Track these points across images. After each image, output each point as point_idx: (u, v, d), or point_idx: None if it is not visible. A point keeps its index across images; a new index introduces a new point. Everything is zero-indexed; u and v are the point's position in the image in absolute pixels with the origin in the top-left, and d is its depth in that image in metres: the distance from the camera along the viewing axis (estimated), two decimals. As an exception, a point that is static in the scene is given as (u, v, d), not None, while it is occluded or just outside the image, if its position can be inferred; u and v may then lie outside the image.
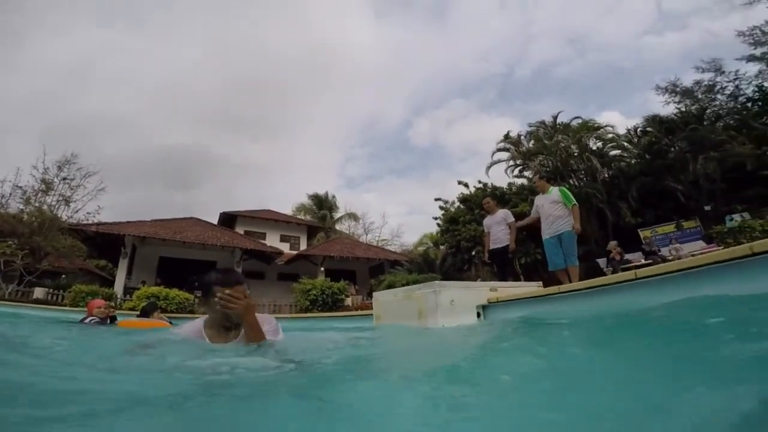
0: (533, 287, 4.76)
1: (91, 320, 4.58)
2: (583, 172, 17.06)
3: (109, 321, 4.72)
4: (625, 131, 19.03)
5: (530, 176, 18.57)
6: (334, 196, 34.63)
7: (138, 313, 5.97)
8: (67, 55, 48.14)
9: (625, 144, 18.20)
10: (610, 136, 18.31)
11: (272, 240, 21.89)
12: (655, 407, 0.88)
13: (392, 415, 0.96)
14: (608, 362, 1.39)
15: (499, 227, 6.01)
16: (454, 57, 62.92)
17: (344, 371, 1.60)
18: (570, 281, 4.87)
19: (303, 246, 23.35)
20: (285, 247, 21.51)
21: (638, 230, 15.67)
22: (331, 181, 71.02)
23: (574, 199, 5.26)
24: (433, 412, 0.99)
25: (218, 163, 63.03)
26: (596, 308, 3.07)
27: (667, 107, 19.07)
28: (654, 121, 17.97)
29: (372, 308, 4.71)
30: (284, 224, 24.01)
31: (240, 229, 21.47)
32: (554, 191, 5.39)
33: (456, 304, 3.53)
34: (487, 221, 6.32)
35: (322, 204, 33.37)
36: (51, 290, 14.13)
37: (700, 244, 13.53)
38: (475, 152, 62.23)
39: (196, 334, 1.71)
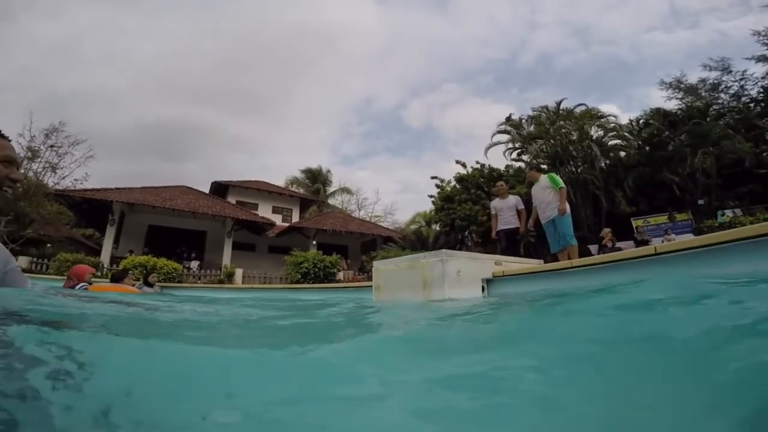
0: (534, 264, 4.69)
1: (80, 287, 4.48)
2: (581, 158, 16.99)
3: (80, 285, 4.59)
4: (627, 122, 19.09)
5: (527, 160, 18.50)
6: (329, 171, 34.17)
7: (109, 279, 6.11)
8: (58, 32, 46.02)
9: (626, 134, 18.21)
10: (612, 125, 18.26)
11: (264, 211, 21.54)
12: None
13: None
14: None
15: (509, 212, 6.26)
16: (454, 40, 61.79)
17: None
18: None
19: (295, 218, 23.07)
20: (277, 219, 21.20)
21: (631, 219, 15.79)
22: (325, 158, 70.14)
23: (561, 182, 5.48)
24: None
25: (212, 136, 61.72)
26: (609, 284, 2.99)
27: (669, 102, 19.17)
28: (657, 113, 17.95)
29: (364, 281, 4.58)
30: (277, 196, 23.62)
31: (232, 199, 21.05)
32: (543, 178, 5.68)
33: (462, 276, 3.40)
34: (497, 204, 6.45)
35: (316, 178, 32.88)
36: (35, 259, 13.73)
37: (690, 237, 13.68)
38: (468, 136, 62.00)
39: None
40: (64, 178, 16.40)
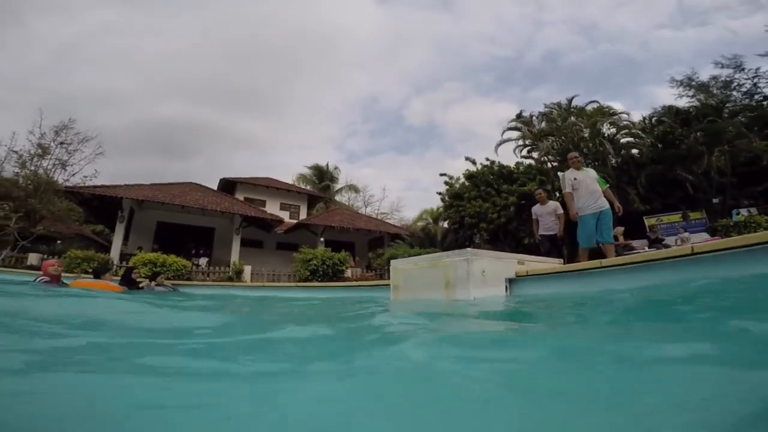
0: (555, 263, 4.59)
1: (41, 279, 4.77)
2: (593, 155, 16.76)
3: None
4: (640, 119, 18.82)
5: (536, 157, 18.30)
6: (336, 167, 34.11)
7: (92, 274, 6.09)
8: (66, 32, 46.35)
9: (639, 132, 17.96)
10: (625, 123, 18.01)
11: (272, 208, 21.53)
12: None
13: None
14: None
15: (549, 217, 6.51)
16: (459, 38, 61.10)
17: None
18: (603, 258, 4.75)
19: (303, 215, 23.04)
20: (285, 216, 21.20)
21: (644, 218, 15.55)
22: (332, 155, 70.14)
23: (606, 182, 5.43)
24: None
25: (218, 134, 61.94)
26: (642, 286, 2.88)
27: (679, 100, 18.87)
28: (670, 111, 17.66)
29: (373, 278, 4.50)
30: (285, 192, 23.59)
31: (240, 196, 21.05)
32: (591, 171, 5.47)
33: (487, 275, 3.31)
34: (538, 210, 6.69)
35: (323, 175, 32.83)
36: (46, 255, 13.79)
37: (704, 236, 13.46)
38: (473, 134, 61.63)
39: None
40: (74, 175, 16.34)
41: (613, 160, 17.27)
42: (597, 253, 5.03)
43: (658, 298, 2.51)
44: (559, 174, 5.82)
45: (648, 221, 15.42)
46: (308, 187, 30.18)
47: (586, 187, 5.12)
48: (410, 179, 66.14)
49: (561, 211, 6.44)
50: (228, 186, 22.20)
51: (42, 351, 1.27)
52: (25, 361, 1.10)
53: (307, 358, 1.26)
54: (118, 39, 48.35)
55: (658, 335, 1.40)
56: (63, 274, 5.17)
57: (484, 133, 61.72)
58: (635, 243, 12.06)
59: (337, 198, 32.77)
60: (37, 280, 4.82)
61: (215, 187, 21.09)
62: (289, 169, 52.98)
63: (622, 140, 17.90)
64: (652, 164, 16.41)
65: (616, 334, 1.56)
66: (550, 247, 6.52)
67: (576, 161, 5.44)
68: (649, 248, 11.31)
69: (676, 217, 15.63)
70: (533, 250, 14.44)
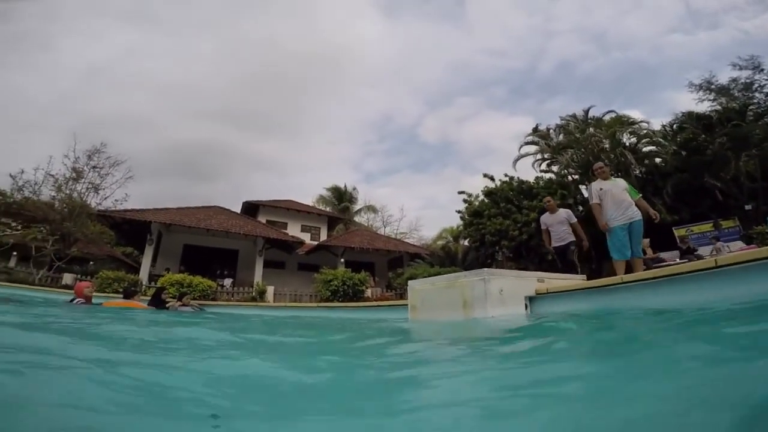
0: (578, 280, 4.50)
1: (77, 301, 5.17)
2: (614, 167, 16.41)
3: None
4: (660, 127, 18.36)
5: (558, 169, 18.03)
6: (354, 188, 34.57)
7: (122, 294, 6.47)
8: (93, 56, 49.56)
9: (660, 140, 17.49)
10: (645, 131, 17.60)
11: (293, 230, 21.95)
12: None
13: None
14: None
15: (561, 227, 5.99)
16: (469, 52, 61.49)
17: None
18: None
19: (323, 237, 23.36)
20: (306, 238, 21.54)
21: (673, 228, 14.99)
22: (349, 176, 70.99)
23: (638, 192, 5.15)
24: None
25: (237, 157, 63.97)
26: (666, 301, 2.79)
27: (700, 105, 18.32)
28: (691, 117, 17.19)
29: (393, 298, 4.52)
30: (305, 214, 24.06)
31: (262, 218, 21.61)
32: (620, 180, 5.21)
33: (505, 294, 3.30)
34: (547, 219, 6.24)
35: (342, 196, 33.30)
36: (79, 276, 14.47)
37: (739, 244, 12.86)
38: (489, 149, 61.35)
39: None
40: (105, 198, 17.15)
41: (637, 171, 16.84)
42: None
43: (686, 316, 2.42)
44: (585, 186, 5.67)
45: (677, 232, 14.85)
46: (328, 209, 30.64)
47: (613, 198, 4.91)
48: (427, 197, 66.03)
49: (574, 219, 6.05)
50: (251, 209, 22.82)
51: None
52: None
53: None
54: (140, 62, 51.02)
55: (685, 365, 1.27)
56: (93, 294, 5.57)
57: (500, 148, 61.37)
58: (665, 255, 11.62)
59: (356, 219, 33.08)
60: (75, 301, 5.20)
61: (238, 210, 21.72)
62: (307, 191, 54.09)
63: (644, 149, 17.47)
64: (678, 173, 15.90)
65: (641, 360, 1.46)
66: (562, 260, 5.98)
67: (601, 171, 5.22)
68: (680, 259, 10.88)
69: (707, 226, 14.99)
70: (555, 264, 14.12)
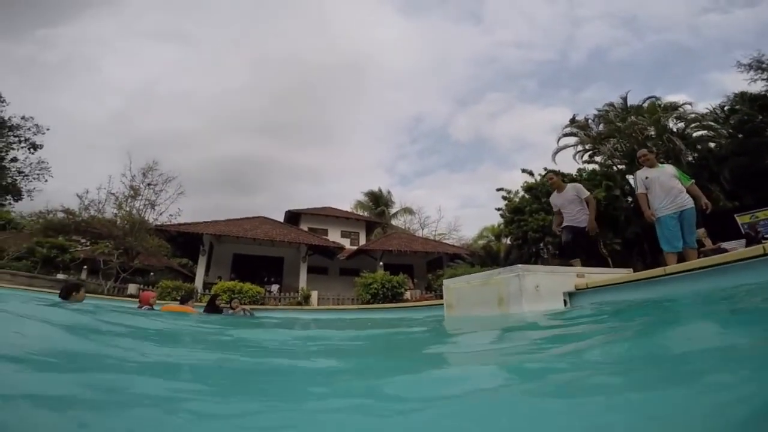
0: (622, 273, 4.37)
1: (144, 307, 6.04)
2: (663, 154, 15.46)
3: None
4: (709, 110, 17.06)
5: (602, 160, 17.24)
6: (389, 192, 34.86)
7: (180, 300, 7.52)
8: (135, 77, 53.68)
9: (712, 124, 16.24)
10: (693, 115, 16.43)
11: (333, 236, 22.58)
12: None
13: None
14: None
15: (573, 206, 5.24)
16: (493, 46, 60.21)
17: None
18: None
19: (362, 241, 23.79)
20: (345, 243, 22.06)
21: (735, 215, 13.86)
22: (383, 179, 71.49)
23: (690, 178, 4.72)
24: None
25: (275, 168, 66.56)
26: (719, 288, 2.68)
27: (753, 84, 16.80)
28: (743, 98, 15.86)
29: (433, 299, 4.62)
30: (344, 220, 24.66)
31: (304, 226, 22.42)
32: (668, 166, 4.82)
33: (541, 290, 3.33)
34: (556, 200, 5.52)
35: (378, 200, 33.70)
36: (142, 286, 15.79)
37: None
38: (526, 143, 59.48)
39: None
40: (161, 213, 18.54)
41: (689, 157, 15.75)
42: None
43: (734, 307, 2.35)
44: (633, 176, 5.19)
45: (740, 219, 13.70)
46: (365, 213, 31.14)
47: (661, 185, 4.56)
48: (464, 196, 65.24)
49: (586, 193, 5.29)
50: (293, 217, 23.73)
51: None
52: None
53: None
54: (179, 82, 54.52)
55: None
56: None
57: (538, 141, 59.49)
58: (729, 245, 10.76)
59: (393, 222, 33.32)
60: (143, 308, 6.02)
61: (281, 218, 22.66)
62: (345, 197, 54.96)
63: (695, 134, 16.31)
64: (734, 156, 14.71)
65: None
66: (574, 243, 5.11)
67: (646, 159, 4.83)
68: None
69: (774, 211, 13.72)
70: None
